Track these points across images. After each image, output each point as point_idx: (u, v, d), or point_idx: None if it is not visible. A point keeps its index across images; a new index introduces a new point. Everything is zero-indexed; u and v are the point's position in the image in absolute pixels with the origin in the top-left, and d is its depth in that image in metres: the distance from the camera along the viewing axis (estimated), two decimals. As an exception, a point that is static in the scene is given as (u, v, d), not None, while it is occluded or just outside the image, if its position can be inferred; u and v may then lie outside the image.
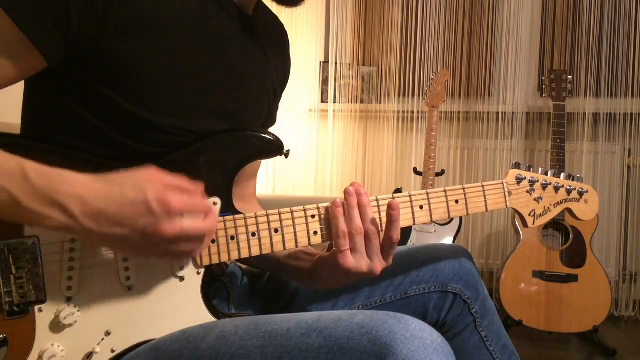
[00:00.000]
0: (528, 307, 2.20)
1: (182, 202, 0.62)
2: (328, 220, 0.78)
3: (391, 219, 0.77)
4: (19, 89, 0.75)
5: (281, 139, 0.81)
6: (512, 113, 2.75)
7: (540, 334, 2.26)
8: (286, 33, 1.00)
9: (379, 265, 0.77)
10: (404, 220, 0.82)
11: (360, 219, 0.76)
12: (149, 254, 0.63)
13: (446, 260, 0.93)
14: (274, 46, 0.93)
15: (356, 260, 0.75)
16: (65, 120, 0.72)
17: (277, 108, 1.02)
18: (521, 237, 2.25)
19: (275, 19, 0.96)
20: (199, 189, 0.66)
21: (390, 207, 0.77)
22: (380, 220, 0.79)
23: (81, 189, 0.60)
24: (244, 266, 1.03)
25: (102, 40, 0.67)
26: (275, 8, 0.92)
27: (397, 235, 0.77)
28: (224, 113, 0.81)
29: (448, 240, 2.43)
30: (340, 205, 0.76)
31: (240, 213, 0.76)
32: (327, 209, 0.78)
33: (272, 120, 1.01)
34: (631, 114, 2.60)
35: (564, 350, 2.24)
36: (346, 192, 0.77)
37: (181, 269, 0.74)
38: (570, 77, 2.36)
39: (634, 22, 2.64)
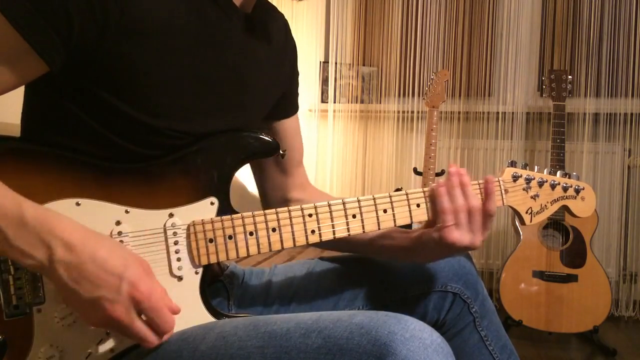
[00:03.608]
0: (528, 307, 2.20)
1: (150, 298, 0.63)
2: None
3: (487, 191, 0.84)
4: (19, 90, 0.75)
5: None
6: (512, 113, 2.75)
7: (540, 334, 2.25)
8: (286, 21, 0.99)
9: (480, 238, 0.82)
10: (401, 219, 0.83)
11: (462, 196, 0.81)
12: (90, 319, 0.64)
13: (445, 260, 0.93)
14: (274, 40, 0.92)
15: (460, 234, 0.81)
16: (64, 122, 0.72)
17: (296, 94, 1.05)
18: (521, 237, 2.25)
19: (274, 10, 0.95)
20: (175, 310, 0.68)
21: (487, 181, 0.84)
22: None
23: (73, 237, 0.62)
24: (245, 266, 1.03)
25: (103, 45, 0.67)
26: (275, 3, 0.91)
27: (493, 207, 0.83)
28: (222, 115, 0.81)
29: (448, 240, 2.42)
30: (444, 185, 0.82)
31: (237, 213, 0.76)
32: (325, 206, 0.79)
33: (293, 108, 1.04)
34: (631, 114, 2.60)
35: (564, 350, 2.24)
36: (449, 172, 0.83)
37: (179, 269, 0.74)
38: (570, 77, 2.35)
39: (634, 22, 2.64)
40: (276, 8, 0.97)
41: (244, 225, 0.75)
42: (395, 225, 0.84)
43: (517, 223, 2.31)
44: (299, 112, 1.06)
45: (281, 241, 0.77)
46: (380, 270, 0.96)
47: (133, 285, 0.62)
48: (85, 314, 0.64)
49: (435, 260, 0.92)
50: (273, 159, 0.91)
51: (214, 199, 0.76)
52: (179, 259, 0.74)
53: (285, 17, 0.99)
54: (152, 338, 0.65)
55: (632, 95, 2.62)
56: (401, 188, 2.76)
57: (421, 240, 0.86)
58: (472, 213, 0.82)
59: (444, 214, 0.81)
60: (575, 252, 2.21)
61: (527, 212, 0.91)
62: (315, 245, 0.80)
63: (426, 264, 0.94)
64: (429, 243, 0.84)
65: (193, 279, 0.75)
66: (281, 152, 0.82)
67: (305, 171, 1.08)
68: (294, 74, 1.02)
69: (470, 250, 0.85)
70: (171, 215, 0.74)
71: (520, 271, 2.23)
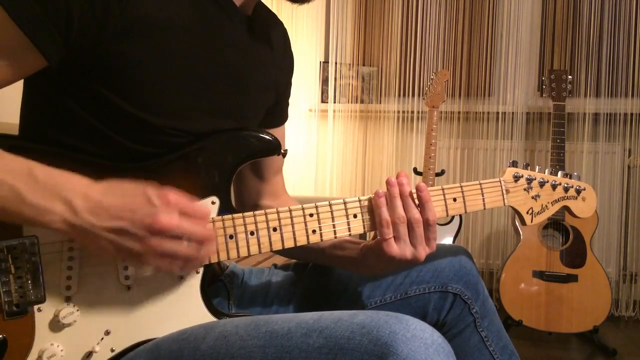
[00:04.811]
0: (528, 307, 2.20)
1: (180, 199, 0.64)
2: (371, 211, 0.80)
3: (422, 200, 0.79)
4: (18, 89, 0.75)
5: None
6: (512, 113, 2.75)
7: (540, 334, 2.25)
8: (286, 30, 1.00)
9: (422, 252, 0.78)
10: None
11: (402, 208, 0.78)
12: (146, 253, 0.63)
13: (446, 260, 0.93)
14: (274, 44, 0.93)
15: (400, 248, 0.77)
16: (63, 120, 0.72)
17: (287, 104, 1.03)
18: (521, 237, 2.25)
19: (274, 17, 0.96)
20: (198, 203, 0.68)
21: (418, 190, 0.79)
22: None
23: (84, 186, 0.63)
24: (244, 266, 1.02)
25: (102, 42, 0.67)
26: (275, 7, 0.92)
27: (432, 216, 0.78)
28: (222, 114, 0.81)
29: (448, 240, 2.43)
30: (383, 195, 0.78)
31: (238, 212, 0.76)
32: (327, 206, 0.79)
33: (283, 117, 1.03)
34: (631, 114, 2.60)
35: (564, 350, 2.24)
36: (388, 182, 0.79)
37: (180, 268, 0.74)
38: (570, 77, 2.36)
39: (634, 22, 2.64)
40: (276, 15, 0.97)
41: (244, 224, 0.75)
42: None
43: (517, 223, 2.31)
44: (299, 112, 1.07)
45: (282, 241, 0.77)
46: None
47: (160, 195, 0.62)
48: (141, 246, 0.62)
49: (382, 274, 0.90)
50: (251, 165, 0.89)
51: (214, 198, 0.75)
52: (179, 259, 0.74)
53: (286, 16, 1.00)
54: (204, 231, 0.66)
55: (632, 95, 2.62)
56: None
57: (364, 252, 0.85)
58: (412, 225, 0.78)
59: (382, 226, 0.77)
60: (575, 252, 2.21)
61: (528, 213, 0.91)
62: (276, 252, 0.79)
63: (373, 276, 0.93)
64: (370, 256, 0.83)
65: (194, 278, 0.75)
66: (282, 151, 0.82)
67: (282, 180, 1.06)
68: (289, 84, 1.02)
69: (413, 265, 0.82)
70: (172, 214, 0.73)
71: (520, 271, 2.23)
